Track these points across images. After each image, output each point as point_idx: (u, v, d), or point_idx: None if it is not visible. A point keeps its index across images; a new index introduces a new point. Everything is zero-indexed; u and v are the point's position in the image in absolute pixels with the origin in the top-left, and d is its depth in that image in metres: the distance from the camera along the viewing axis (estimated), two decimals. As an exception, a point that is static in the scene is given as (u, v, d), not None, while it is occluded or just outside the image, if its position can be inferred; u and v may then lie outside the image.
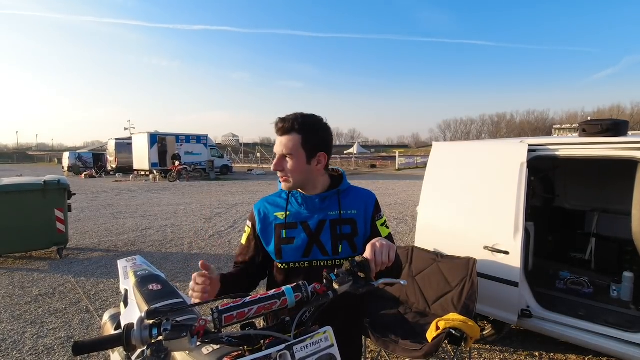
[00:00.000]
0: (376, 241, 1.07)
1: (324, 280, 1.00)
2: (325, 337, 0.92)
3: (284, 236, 1.30)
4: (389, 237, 1.33)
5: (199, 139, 22.55)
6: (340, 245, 1.28)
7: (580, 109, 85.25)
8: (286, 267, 1.31)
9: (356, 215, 1.32)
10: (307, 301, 0.95)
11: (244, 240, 1.40)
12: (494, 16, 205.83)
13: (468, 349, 2.73)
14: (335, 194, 1.32)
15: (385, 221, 1.37)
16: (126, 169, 22.81)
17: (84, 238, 6.84)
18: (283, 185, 1.31)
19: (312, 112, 1.30)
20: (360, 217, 1.32)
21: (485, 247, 2.72)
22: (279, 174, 1.29)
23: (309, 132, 1.25)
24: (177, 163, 19.26)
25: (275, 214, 1.33)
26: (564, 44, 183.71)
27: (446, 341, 2.18)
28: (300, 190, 1.32)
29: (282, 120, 1.26)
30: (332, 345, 0.92)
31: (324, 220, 1.29)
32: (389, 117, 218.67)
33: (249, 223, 1.39)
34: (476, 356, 2.91)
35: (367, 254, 1.04)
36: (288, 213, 1.32)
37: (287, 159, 1.26)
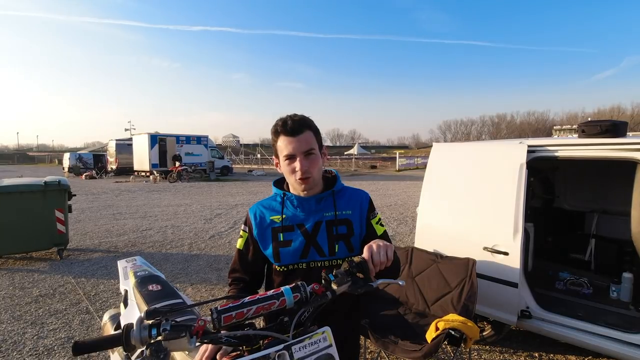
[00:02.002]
0: (373, 242, 1.08)
1: (323, 281, 1.00)
2: (324, 337, 0.92)
3: (281, 239, 1.29)
4: (384, 235, 1.33)
5: (199, 139, 22.58)
6: (337, 246, 1.28)
7: (581, 110, 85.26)
8: (285, 269, 1.31)
9: (351, 216, 1.32)
10: (306, 301, 0.95)
11: (240, 245, 1.38)
12: (494, 17, 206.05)
13: (467, 349, 2.73)
14: (330, 195, 1.33)
15: (379, 219, 1.37)
16: (126, 170, 22.82)
17: (85, 239, 6.85)
18: (304, 186, 1.26)
19: (311, 114, 1.32)
20: (355, 217, 1.32)
21: (485, 248, 2.72)
22: (299, 174, 1.23)
23: (315, 128, 1.29)
24: (177, 164, 19.28)
25: (271, 217, 1.33)
26: (564, 44, 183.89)
27: (446, 342, 2.19)
28: (295, 192, 1.32)
29: (292, 119, 1.23)
30: (330, 345, 0.92)
31: (319, 221, 1.29)
32: (389, 118, 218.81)
33: (244, 227, 1.38)
34: (476, 357, 2.91)
35: (365, 254, 1.04)
36: (284, 216, 1.31)
37: (310, 156, 1.24)
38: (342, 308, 1.29)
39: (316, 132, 1.28)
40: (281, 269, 1.31)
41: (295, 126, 1.22)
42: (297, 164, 1.23)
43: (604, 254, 3.75)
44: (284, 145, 1.24)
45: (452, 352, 2.86)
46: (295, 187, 1.30)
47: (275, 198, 1.37)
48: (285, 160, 1.25)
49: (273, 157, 1.35)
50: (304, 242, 1.28)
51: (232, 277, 1.39)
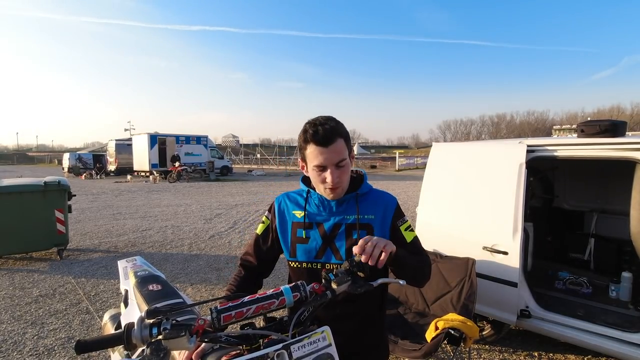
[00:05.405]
0: (369, 238, 1.03)
1: (323, 280, 1.01)
2: (323, 336, 0.92)
3: (299, 235, 1.29)
4: (414, 241, 1.29)
5: (199, 139, 22.57)
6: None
7: (580, 110, 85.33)
8: (298, 266, 1.29)
9: (373, 220, 1.26)
10: (306, 301, 0.95)
11: (259, 230, 1.37)
12: (493, 16, 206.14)
13: (467, 349, 2.73)
14: (353, 197, 1.28)
15: (409, 225, 1.30)
16: (126, 170, 22.82)
17: (84, 239, 6.85)
18: (333, 195, 1.23)
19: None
20: (377, 222, 1.26)
21: (484, 248, 2.73)
22: (329, 185, 1.18)
23: (346, 134, 1.22)
24: (177, 164, 19.27)
25: (294, 211, 1.32)
26: (563, 44, 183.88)
27: (445, 341, 2.19)
28: (320, 193, 1.27)
29: (323, 128, 1.15)
30: (329, 345, 0.92)
31: (340, 224, 1.26)
32: (389, 118, 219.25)
33: (268, 214, 1.37)
34: (475, 356, 2.92)
35: (356, 250, 1.01)
36: (306, 213, 1.30)
37: (341, 168, 1.18)
38: (364, 311, 1.27)
39: (347, 138, 1.22)
40: (295, 265, 1.30)
41: (327, 135, 1.14)
42: (327, 175, 1.18)
43: (603, 253, 3.75)
44: (313, 155, 1.17)
45: (451, 352, 2.87)
46: (322, 192, 1.26)
47: (301, 193, 1.35)
48: (315, 169, 1.20)
49: (299, 159, 1.29)
50: (321, 242, 1.26)
51: (243, 259, 1.40)
